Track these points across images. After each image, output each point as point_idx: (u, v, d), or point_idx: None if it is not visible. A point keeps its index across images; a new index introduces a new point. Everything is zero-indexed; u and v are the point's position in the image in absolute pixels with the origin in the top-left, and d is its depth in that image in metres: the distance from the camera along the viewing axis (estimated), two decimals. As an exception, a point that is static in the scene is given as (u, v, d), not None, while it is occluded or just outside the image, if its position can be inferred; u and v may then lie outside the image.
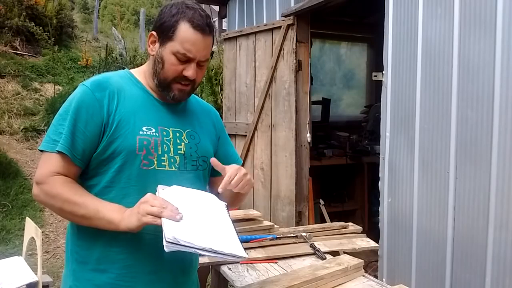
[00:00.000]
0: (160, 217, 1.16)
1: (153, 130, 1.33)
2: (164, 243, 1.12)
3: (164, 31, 1.32)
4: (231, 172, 1.30)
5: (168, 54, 1.31)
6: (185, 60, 1.31)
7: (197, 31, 1.30)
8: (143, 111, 1.35)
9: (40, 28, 8.82)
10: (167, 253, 1.14)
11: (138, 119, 1.33)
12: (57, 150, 1.26)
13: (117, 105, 1.31)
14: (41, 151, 1.30)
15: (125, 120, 1.31)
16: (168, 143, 1.36)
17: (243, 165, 4.58)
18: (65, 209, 1.27)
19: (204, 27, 1.31)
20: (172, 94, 1.36)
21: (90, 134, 1.28)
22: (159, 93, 1.40)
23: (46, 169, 1.28)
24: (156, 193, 1.27)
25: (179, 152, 1.37)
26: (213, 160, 1.36)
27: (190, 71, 1.32)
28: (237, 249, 1.20)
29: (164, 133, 1.36)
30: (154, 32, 1.35)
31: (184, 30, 1.29)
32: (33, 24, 9.05)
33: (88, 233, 1.31)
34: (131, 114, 1.32)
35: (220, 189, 1.28)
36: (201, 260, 1.83)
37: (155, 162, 1.32)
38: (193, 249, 1.14)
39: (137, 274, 1.32)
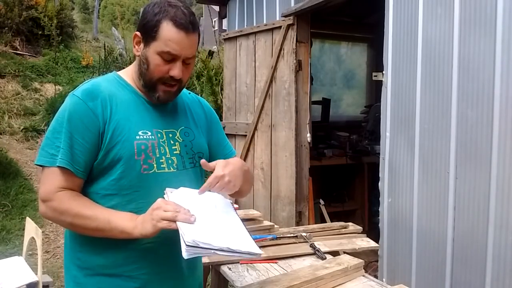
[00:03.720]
0: (175, 221, 1.16)
1: (149, 134, 1.33)
2: (184, 247, 1.11)
3: (147, 31, 1.29)
4: (211, 180, 1.25)
5: (153, 54, 1.29)
6: (170, 59, 1.29)
7: (180, 30, 1.27)
8: (137, 115, 1.34)
9: (50, 25, 8.84)
10: (174, 251, 1.17)
11: (133, 124, 1.31)
12: (57, 165, 1.24)
13: (111, 112, 1.30)
14: (40, 165, 1.28)
15: (121, 126, 1.29)
16: (163, 145, 1.35)
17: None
18: (76, 223, 1.26)
19: (187, 25, 1.28)
20: (157, 95, 1.34)
21: (89, 144, 1.27)
22: (148, 93, 1.38)
23: (50, 186, 1.26)
24: (165, 196, 1.27)
25: (174, 152, 1.36)
26: (203, 162, 1.33)
27: (176, 71, 1.30)
28: (252, 246, 1.21)
29: (159, 135, 1.35)
30: (138, 33, 1.32)
31: (167, 29, 1.27)
32: (46, 18, 9.07)
33: (90, 239, 1.30)
34: (126, 120, 1.31)
35: (199, 191, 1.27)
36: (202, 260, 1.83)
37: (155, 165, 1.31)
38: (212, 251, 1.14)
39: (147, 276, 1.32)
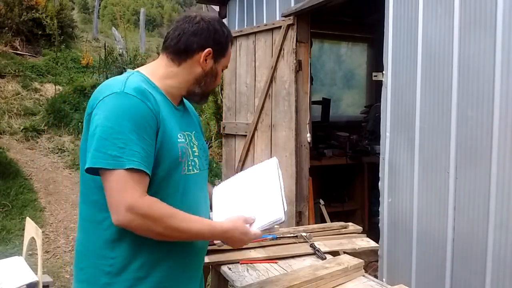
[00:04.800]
0: None
1: (182, 137, 1.38)
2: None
3: (220, 49, 1.44)
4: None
5: (220, 69, 1.48)
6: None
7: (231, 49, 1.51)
8: (172, 118, 1.37)
9: (52, 24, 8.83)
10: (199, 253, 1.41)
11: (173, 127, 1.35)
12: (132, 167, 1.20)
13: (160, 113, 1.31)
14: (99, 169, 1.21)
15: (168, 128, 1.32)
16: (187, 147, 1.40)
17: (243, 165, 4.56)
18: (166, 234, 1.26)
19: None
20: (205, 101, 1.55)
21: (153, 144, 1.27)
22: (174, 98, 1.43)
23: (134, 191, 1.20)
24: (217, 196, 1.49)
25: (195, 154, 1.43)
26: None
27: (220, 80, 1.55)
28: (277, 212, 1.42)
29: (185, 137, 1.41)
30: (210, 49, 1.41)
31: (230, 48, 1.50)
32: (47, 18, 9.06)
33: (128, 244, 1.30)
34: (168, 123, 1.34)
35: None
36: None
37: (187, 167, 1.38)
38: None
39: (177, 276, 1.38)
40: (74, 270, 1.40)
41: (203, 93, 1.47)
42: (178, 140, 1.35)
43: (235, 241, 1.40)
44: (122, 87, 1.27)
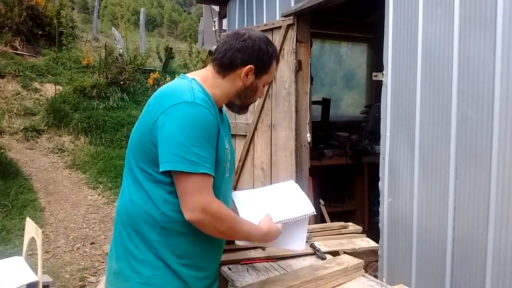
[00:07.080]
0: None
1: (226, 143, 1.51)
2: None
3: (262, 66, 1.54)
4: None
5: (261, 85, 1.58)
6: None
7: (276, 67, 1.61)
8: (220, 124, 1.47)
9: (53, 23, 8.82)
10: (219, 246, 1.56)
11: (222, 133, 1.47)
12: (205, 172, 1.34)
13: (219, 121, 1.44)
14: (177, 172, 1.34)
15: (221, 135, 1.45)
16: (228, 151, 1.53)
17: (243, 165, 4.57)
18: (227, 233, 1.45)
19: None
20: (245, 111, 1.64)
21: (214, 151, 1.41)
22: (218, 105, 1.52)
23: (208, 194, 1.36)
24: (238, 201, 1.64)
25: (228, 159, 1.53)
26: None
27: (261, 95, 1.65)
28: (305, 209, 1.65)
29: (228, 143, 1.54)
30: (252, 66, 1.51)
31: (274, 66, 1.58)
32: (48, 18, 9.05)
33: (172, 234, 1.43)
34: (220, 129, 1.46)
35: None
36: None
37: (227, 170, 1.53)
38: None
39: (207, 264, 1.53)
40: (125, 247, 1.49)
41: (242, 105, 1.59)
42: (225, 146, 1.49)
43: (271, 239, 1.57)
44: (192, 97, 1.38)
